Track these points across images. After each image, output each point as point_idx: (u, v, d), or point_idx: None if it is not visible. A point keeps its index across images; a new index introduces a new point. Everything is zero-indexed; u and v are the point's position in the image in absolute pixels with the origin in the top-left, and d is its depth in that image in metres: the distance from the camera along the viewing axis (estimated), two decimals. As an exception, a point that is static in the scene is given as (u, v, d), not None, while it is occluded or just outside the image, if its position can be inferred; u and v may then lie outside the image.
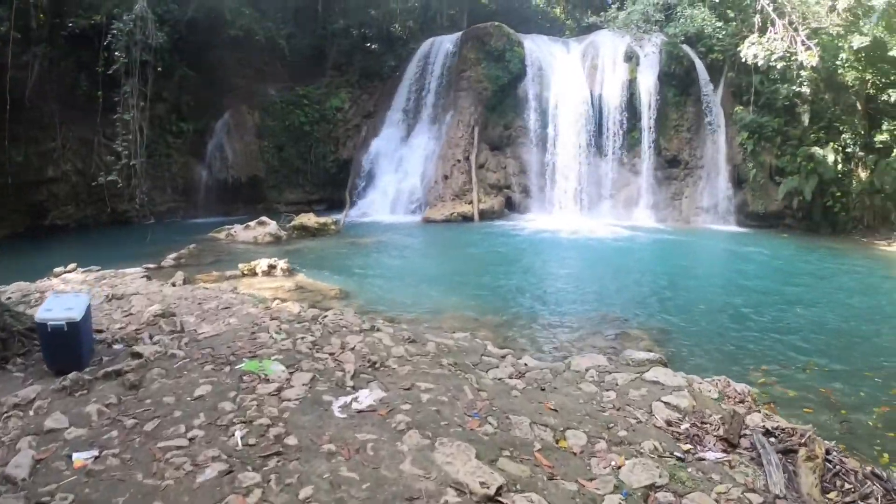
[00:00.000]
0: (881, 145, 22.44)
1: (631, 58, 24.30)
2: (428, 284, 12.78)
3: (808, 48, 20.98)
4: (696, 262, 17.55)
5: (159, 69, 21.72)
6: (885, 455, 5.98)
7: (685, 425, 5.29)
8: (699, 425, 5.29)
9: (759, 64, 21.67)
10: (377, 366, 6.03)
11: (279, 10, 25.90)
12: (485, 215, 21.83)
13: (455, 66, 24.57)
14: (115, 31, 18.62)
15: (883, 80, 22.34)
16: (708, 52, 24.29)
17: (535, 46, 24.97)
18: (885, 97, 22.15)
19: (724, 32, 23.48)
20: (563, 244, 18.59)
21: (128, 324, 7.69)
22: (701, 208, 23.71)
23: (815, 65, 21.15)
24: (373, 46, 27.96)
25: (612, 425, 5.14)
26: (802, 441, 4.92)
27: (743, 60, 22.19)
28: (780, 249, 19.15)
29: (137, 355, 5.98)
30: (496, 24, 24.71)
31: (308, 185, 26.35)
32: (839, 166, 22.36)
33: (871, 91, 22.96)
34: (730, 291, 13.48)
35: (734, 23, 23.38)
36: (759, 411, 5.98)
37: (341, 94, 26.41)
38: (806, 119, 23.30)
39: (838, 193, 22.30)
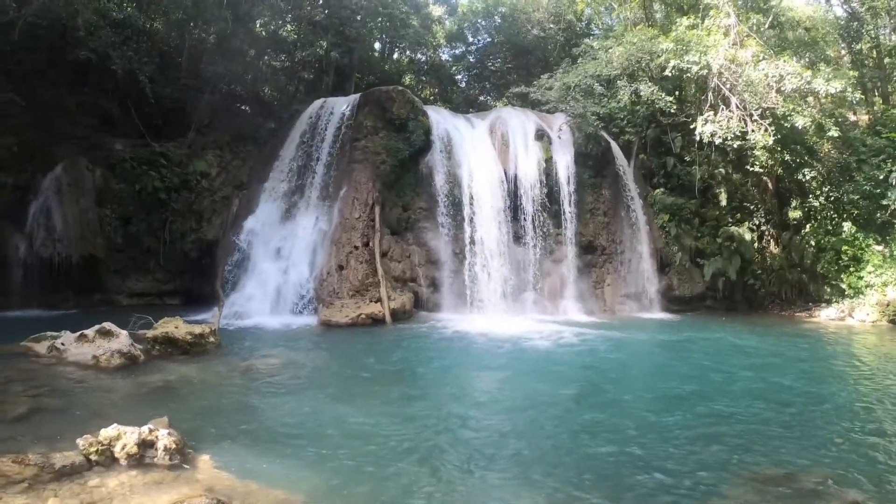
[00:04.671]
0: (794, 222, 21.50)
1: (542, 136, 20.39)
2: (440, 462, 7.24)
3: (765, 128, 18.31)
4: (719, 365, 13.01)
5: None
6: None
7: None
8: None
9: (716, 142, 18.97)
10: None
11: (143, 42, 19.33)
12: (395, 316, 16.35)
13: (349, 134, 19.15)
14: None
15: (796, 161, 21.08)
16: (620, 133, 20.99)
17: (440, 118, 20.34)
18: (799, 176, 20.94)
19: (664, 110, 20.54)
20: (523, 355, 13.58)
21: None
22: (626, 296, 20.14)
23: (769, 144, 18.58)
24: (243, 107, 22.12)
25: None
26: None
27: (698, 138, 19.29)
28: (755, 337, 16.15)
29: None
30: (399, 88, 19.84)
31: (160, 271, 19.37)
32: (754, 244, 20.97)
33: (780, 171, 21.69)
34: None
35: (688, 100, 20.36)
36: None
37: (208, 157, 19.96)
38: (723, 200, 21.10)
39: (758, 271, 20.90)
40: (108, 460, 6.33)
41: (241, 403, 9.32)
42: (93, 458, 6.29)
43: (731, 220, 21.15)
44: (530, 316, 17.81)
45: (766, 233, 21.69)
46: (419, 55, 30.58)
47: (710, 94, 19.62)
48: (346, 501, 6.15)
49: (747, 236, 20.71)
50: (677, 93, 21.56)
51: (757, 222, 21.52)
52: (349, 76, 24.75)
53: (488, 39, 31.23)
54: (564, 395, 10.52)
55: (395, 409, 9.30)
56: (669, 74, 19.47)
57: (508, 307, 18.06)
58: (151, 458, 6.46)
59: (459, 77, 32.81)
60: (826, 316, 19.47)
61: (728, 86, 19.33)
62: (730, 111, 19.11)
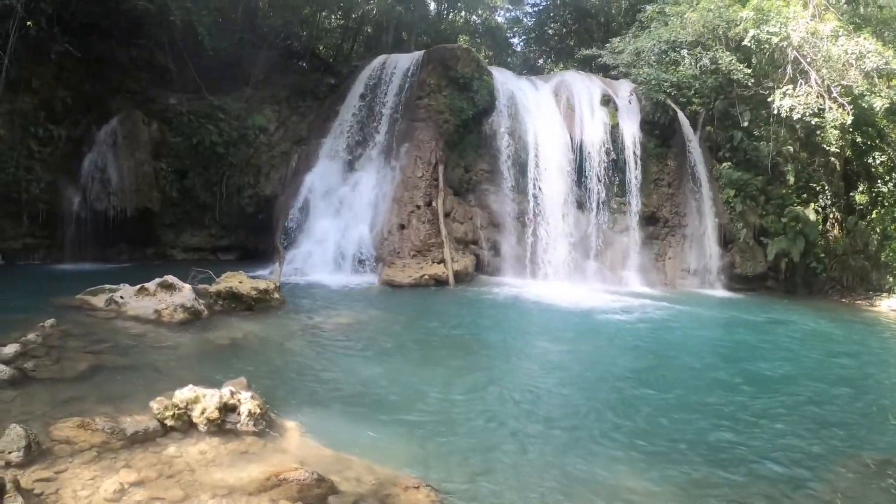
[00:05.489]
0: (860, 206, 20.42)
1: (608, 101, 19.24)
2: (536, 435, 6.64)
3: (842, 106, 16.96)
4: (808, 350, 12.06)
5: (33, 31, 14.24)
6: None
7: None
8: None
9: (795, 118, 17.67)
10: None
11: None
12: (457, 278, 15.59)
13: (412, 92, 18.15)
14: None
15: (866, 143, 20.10)
16: (687, 103, 19.76)
17: (505, 78, 19.30)
18: (869, 160, 20.08)
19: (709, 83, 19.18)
20: (598, 326, 12.59)
21: None
22: (687, 271, 19.10)
23: (847, 123, 17.23)
24: (300, 63, 21.16)
25: None
26: None
27: (775, 112, 18.00)
28: (830, 323, 15.03)
29: None
30: (464, 46, 18.84)
31: (215, 226, 18.71)
32: (819, 227, 19.72)
33: (849, 153, 20.46)
34: None
35: (759, 73, 18.98)
36: None
37: (266, 112, 19.10)
38: (791, 178, 19.81)
39: (821, 255, 19.56)
40: (184, 426, 5.65)
41: (315, 365, 8.64)
42: (168, 423, 5.60)
43: (796, 199, 19.97)
44: (592, 285, 16.98)
45: (831, 216, 20.55)
46: (474, 17, 29.16)
47: (788, 67, 18.25)
48: (450, 474, 5.46)
49: (812, 218, 19.58)
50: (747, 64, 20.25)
51: (822, 204, 20.38)
52: (408, 34, 23.59)
53: (542, 1, 29.82)
54: (649, 370, 9.73)
55: (477, 378, 8.60)
56: (748, 45, 18.14)
57: (570, 275, 17.26)
58: (234, 424, 5.75)
59: (515, 41, 31.55)
60: (888, 306, 18.21)
61: (808, 60, 17.98)
62: (809, 86, 17.80)
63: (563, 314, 13.46)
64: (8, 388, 6.29)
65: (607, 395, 8.16)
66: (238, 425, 5.73)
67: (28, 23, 14.72)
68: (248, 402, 5.88)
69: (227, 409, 5.81)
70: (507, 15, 31.10)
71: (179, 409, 5.70)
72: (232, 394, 5.93)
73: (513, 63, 28.26)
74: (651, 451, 6.30)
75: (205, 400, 5.78)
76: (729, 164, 19.64)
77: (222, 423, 5.70)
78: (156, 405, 5.71)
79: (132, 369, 7.49)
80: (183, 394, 5.81)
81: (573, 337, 11.81)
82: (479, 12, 28.55)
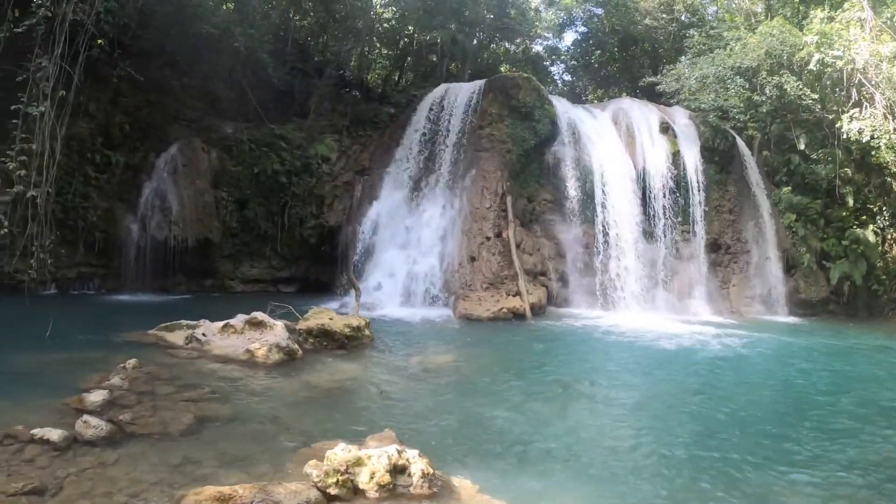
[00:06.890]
0: None
1: (667, 129, 18.41)
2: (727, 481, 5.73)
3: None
4: None
5: (94, 53, 13.72)
6: None
7: None
8: None
9: (863, 140, 17.07)
10: None
11: (260, 21, 17.67)
12: (532, 311, 14.57)
13: (474, 121, 17.30)
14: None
15: None
16: (743, 128, 18.87)
17: (564, 107, 18.53)
18: None
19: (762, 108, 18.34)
20: (703, 360, 11.43)
21: None
22: (751, 297, 18.19)
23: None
24: (354, 93, 20.34)
25: None
26: None
27: (844, 136, 17.34)
28: None
29: None
30: (525, 75, 18.05)
31: (275, 257, 17.86)
32: (878, 248, 18.92)
33: None
34: None
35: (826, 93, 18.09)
36: None
37: (328, 141, 18.31)
38: (851, 201, 19.06)
39: (882, 276, 18.70)
40: (349, 493, 4.70)
41: (440, 410, 7.63)
42: (331, 491, 4.65)
43: (855, 221, 19.21)
44: (663, 315, 16.08)
45: (889, 237, 19.65)
46: (513, 46, 28.30)
47: (853, 90, 17.40)
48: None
49: (872, 239, 18.78)
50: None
51: (881, 225, 19.54)
52: (462, 63, 22.81)
53: (587, 30, 28.98)
54: (777, 404, 8.89)
55: (617, 419, 7.67)
56: (813, 68, 17.29)
57: (640, 305, 16.37)
58: (405, 488, 4.81)
59: (554, 69, 30.80)
60: (949, 327, 17.54)
61: (872, 82, 17.15)
62: (874, 108, 16.94)
63: (655, 349, 12.42)
64: (107, 447, 5.25)
65: (753, 432, 7.19)
66: (410, 488, 4.83)
67: (99, 41, 13.98)
68: (417, 462, 5.02)
69: (397, 470, 4.94)
70: (546, 44, 30.40)
71: (342, 473, 4.78)
72: (399, 453, 5.06)
73: (553, 91, 27.41)
74: (833, 482, 5.69)
75: (371, 462, 4.90)
76: (788, 188, 18.80)
77: (393, 488, 4.82)
78: (315, 471, 4.80)
79: (242, 421, 6.52)
80: (338, 455, 4.92)
81: (681, 373, 10.79)
82: (518, 41, 27.70)
